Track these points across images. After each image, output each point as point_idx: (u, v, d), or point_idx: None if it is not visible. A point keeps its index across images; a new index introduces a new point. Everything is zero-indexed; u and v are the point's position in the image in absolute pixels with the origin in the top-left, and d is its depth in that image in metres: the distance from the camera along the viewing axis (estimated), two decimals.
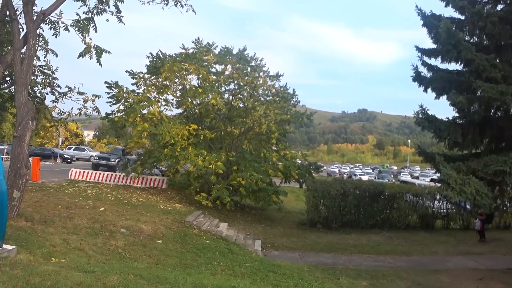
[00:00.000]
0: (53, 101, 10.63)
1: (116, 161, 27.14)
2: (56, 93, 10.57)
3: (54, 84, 10.67)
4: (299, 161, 21.99)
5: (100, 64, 9.57)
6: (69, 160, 37.88)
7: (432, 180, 38.81)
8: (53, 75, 10.45)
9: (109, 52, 9.65)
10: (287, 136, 23.01)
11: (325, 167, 61.65)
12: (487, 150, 11.99)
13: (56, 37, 9.68)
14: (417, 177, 57.23)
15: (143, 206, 13.27)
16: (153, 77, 18.58)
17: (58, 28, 9.68)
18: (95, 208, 11.50)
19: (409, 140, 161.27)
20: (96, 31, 9.71)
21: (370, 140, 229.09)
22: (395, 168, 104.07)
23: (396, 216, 18.42)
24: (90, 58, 9.60)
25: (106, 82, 17.97)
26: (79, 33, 9.31)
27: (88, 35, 9.45)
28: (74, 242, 7.94)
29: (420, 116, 11.88)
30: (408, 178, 50.81)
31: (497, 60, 10.88)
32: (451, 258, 13.84)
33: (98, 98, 10.55)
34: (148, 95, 18.32)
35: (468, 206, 18.85)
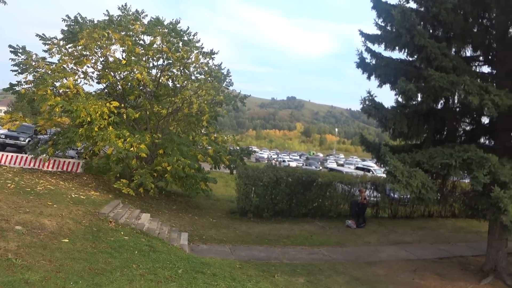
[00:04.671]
0: None
1: (27, 140, 24.10)
2: None
3: None
4: (230, 146, 20.91)
5: None
6: None
7: (357, 168, 40.00)
8: None
9: (4, 2, 7.69)
10: (217, 119, 21.67)
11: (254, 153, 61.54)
12: (428, 142, 11.73)
13: None
14: (342, 165, 59.27)
15: (50, 195, 11.22)
16: (69, 45, 16.13)
17: None
18: None
19: (336, 129, 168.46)
20: None
21: (298, 127, 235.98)
22: (321, 155, 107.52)
23: (328, 205, 18.17)
24: None
25: (10, 46, 15.23)
26: None
27: None
28: None
29: (367, 103, 11.22)
30: (334, 165, 52.28)
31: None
32: (384, 248, 13.85)
33: None
34: (64, 65, 15.88)
35: (396, 196, 19.24)
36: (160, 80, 17.56)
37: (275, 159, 61.00)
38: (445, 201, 13.57)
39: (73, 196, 11.90)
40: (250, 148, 21.90)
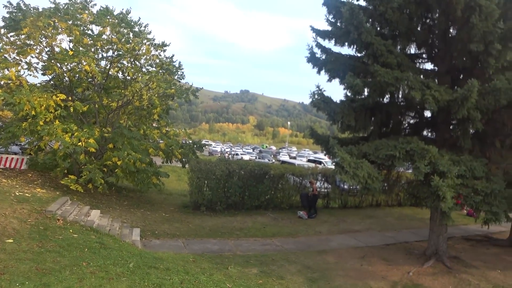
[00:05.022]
0: None
1: None
2: None
3: None
4: (183, 140, 20.72)
5: None
6: None
7: (309, 160, 40.90)
8: None
9: None
10: (169, 112, 21.36)
11: (207, 146, 61.22)
12: (375, 134, 12.26)
13: None
14: (294, 158, 60.28)
15: None
16: (11, 34, 15.19)
17: None
18: None
19: (288, 122, 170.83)
20: None
21: (251, 120, 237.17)
22: (274, 148, 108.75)
23: (280, 197, 18.52)
24: None
25: None
26: None
27: None
28: None
29: (316, 97, 11.56)
30: (287, 158, 53.01)
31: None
32: (334, 237, 14.37)
33: None
34: (6, 55, 14.94)
35: (345, 187, 19.97)
36: (110, 72, 17.02)
37: (228, 153, 61.06)
38: (390, 191, 14.30)
39: (17, 194, 11.36)
40: (204, 142, 21.77)
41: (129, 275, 7.29)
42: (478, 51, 9.89)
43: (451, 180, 9.64)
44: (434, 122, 12.58)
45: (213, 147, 74.01)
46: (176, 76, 18.66)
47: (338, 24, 12.60)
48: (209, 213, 16.29)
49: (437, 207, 9.88)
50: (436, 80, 11.65)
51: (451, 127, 11.95)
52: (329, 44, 12.95)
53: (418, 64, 12.90)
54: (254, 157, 54.52)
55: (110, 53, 16.58)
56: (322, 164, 31.88)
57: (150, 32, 17.09)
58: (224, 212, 16.61)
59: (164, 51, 17.64)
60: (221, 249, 11.83)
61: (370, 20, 11.61)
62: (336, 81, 12.62)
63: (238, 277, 9.36)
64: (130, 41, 15.93)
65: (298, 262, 11.12)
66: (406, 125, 13.47)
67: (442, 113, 11.10)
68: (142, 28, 16.84)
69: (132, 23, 16.39)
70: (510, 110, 10.24)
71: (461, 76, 11.89)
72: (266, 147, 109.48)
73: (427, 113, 12.74)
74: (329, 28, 12.97)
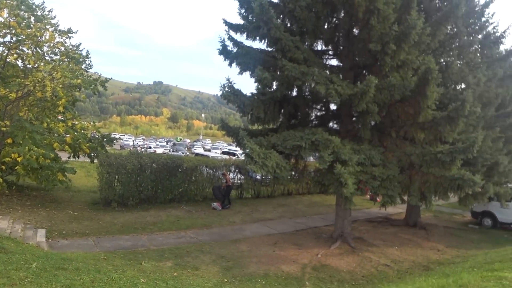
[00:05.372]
0: None
1: None
2: None
3: None
4: (91, 133, 19.73)
5: None
6: None
7: (223, 152, 41.23)
8: None
9: None
10: (76, 104, 20.14)
11: (118, 139, 58.80)
12: (284, 126, 12.83)
13: None
14: (209, 150, 60.29)
15: None
16: None
17: None
18: None
19: (203, 115, 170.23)
20: None
21: (165, 113, 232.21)
22: (188, 141, 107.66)
23: (194, 189, 18.58)
24: None
25: None
26: None
27: None
28: None
29: (226, 89, 11.81)
30: (201, 150, 52.86)
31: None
32: (247, 226, 14.84)
33: None
34: None
35: (258, 177, 20.59)
36: (8, 59, 15.56)
37: (141, 146, 59.27)
38: (299, 179, 15.07)
39: None
40: (115, 135, 20.89)
41: (35, 278, 6.88)
42: (376, 50, 10.85)
43: (352, 167, 10.51)
44: (338, 115, 13.51)
45: (125, 140, 71.31)
46: (83, 66, 17.62)
47: (250, 18, 12.91)
48: (121, 209, 15.81)
49: (341, 193, 10.70)
50: (341, 76, 12.52)
51: (353, 119, 12.94)
52: (242, 37, 13.25)
53: (324, 60, 13.73)
54: (168, 150, 53.52)
55: (7, 38, 15.15)
56: (236, 156, 32.33)
57: (55, 17, 15.97)
58: (137, 207, 16.24)
59: (70, 38, 16.65)
60: (134, 245, 11.60)
61: (281, 16, 12.11)
62: (249, 74, 12.97)
63: (153, 271, 9.30)
64: (31, 25, 14.72)
65: (213, 253, 11.33)
66: (314, 117, 14.28)
67: (345, 106, 11.97)
68: (46, 13, 15.65)
69: (34, 6, 15.18)
70: (403, 104, 11.39)
71: (363, 72, 12.89)
72: (180, 140, 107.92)
73: (333, 106, 13.64)
74: (242, 22, 13.25)
